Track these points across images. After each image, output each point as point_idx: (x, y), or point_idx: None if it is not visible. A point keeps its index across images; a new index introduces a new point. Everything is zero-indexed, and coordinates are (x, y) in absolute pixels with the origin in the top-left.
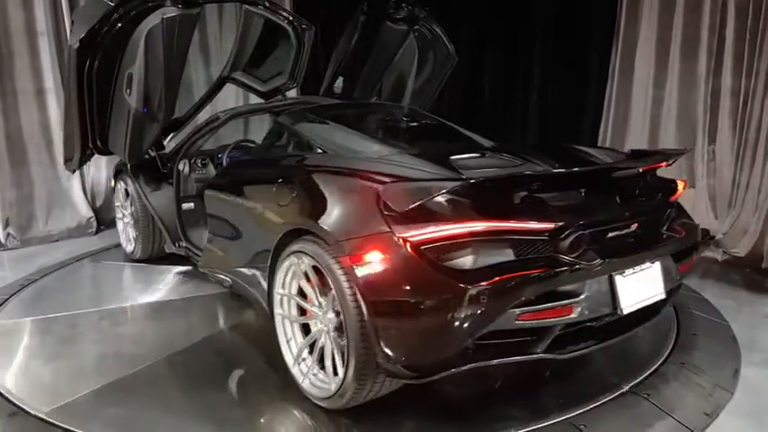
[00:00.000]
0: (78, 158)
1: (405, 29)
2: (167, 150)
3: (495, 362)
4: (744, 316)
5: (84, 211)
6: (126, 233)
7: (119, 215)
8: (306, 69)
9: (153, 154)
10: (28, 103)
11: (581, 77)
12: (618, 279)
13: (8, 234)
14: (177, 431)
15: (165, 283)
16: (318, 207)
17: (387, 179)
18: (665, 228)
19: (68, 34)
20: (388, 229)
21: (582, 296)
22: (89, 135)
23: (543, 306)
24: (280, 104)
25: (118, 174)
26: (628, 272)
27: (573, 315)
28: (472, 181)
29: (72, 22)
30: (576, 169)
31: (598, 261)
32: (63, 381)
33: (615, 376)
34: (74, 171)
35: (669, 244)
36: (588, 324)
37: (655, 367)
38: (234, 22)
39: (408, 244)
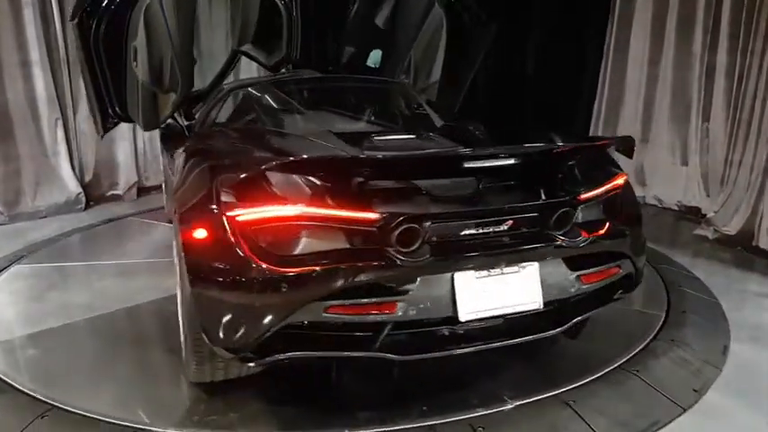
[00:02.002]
0: (101, 124)
1: None
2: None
3: (323, 354)
4: (734, 293)
5: (73, 186)
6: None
7: (163, 178)
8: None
9: (185, 123)
10: (13, 76)
11: (576, 55)
12: (459, 281)
13: None
14: (61, 378)
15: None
16: (182, 180)
17: (265, 156)
18: (561, 229)
19: (55, 4)
20: (215, 206)
21: (409, 295)
22: (106, 102)
23: (355, 301)
24: (272, 78)
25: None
26: (480, 274)
27: (396, 314)
28: (294, 160)
29: None
30: (417, 154)
31: (425, 259)
32: (13, 321)
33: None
34: (101, 136)
35: (556, 248)
36: (448, 328)
37: (644, 344)
38: None
39: (230, 222)
